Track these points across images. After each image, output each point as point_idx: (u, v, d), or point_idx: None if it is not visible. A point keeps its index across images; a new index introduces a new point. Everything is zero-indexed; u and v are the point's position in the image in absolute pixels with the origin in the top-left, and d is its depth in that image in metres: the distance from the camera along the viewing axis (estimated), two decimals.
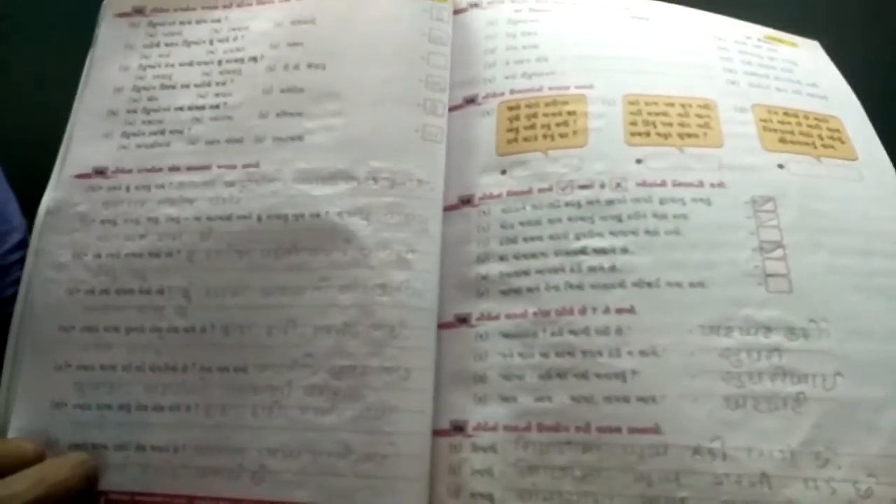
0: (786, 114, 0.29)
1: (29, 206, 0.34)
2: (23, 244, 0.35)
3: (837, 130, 0.29)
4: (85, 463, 0.26)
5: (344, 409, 0.26)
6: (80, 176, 0.31)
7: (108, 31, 0.34)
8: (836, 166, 0.28)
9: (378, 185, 0.29)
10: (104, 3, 0.35)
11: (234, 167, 0.30)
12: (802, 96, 0.30)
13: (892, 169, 0.28)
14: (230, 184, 0.30)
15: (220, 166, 0.30)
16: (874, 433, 0.22)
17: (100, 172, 0.31)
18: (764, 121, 0.29)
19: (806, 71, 0.32)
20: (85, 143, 0.32)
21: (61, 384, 0.28)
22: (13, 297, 0.30)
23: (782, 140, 0.28)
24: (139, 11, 0.34)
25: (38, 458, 0.26)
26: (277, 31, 0.32)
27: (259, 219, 0.29)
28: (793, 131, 0.29)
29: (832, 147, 0.28)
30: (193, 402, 0.27)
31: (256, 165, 0.30)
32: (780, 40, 0.33)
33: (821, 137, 0.29)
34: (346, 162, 0.29)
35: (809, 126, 0.29)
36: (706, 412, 0.23)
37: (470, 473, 0.25)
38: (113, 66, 0.33)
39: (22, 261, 0.32)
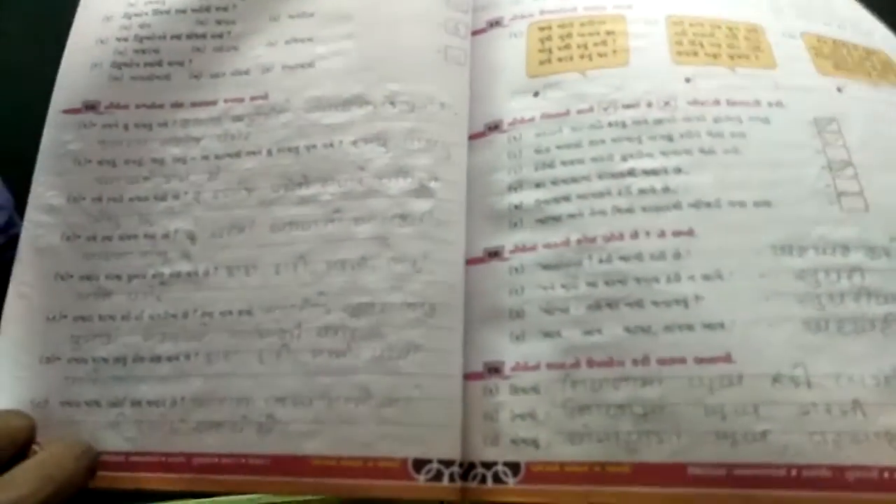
0: (835, 43, 0.27)
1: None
2: (10, 225, 0.31)
3: (887, 62, 0.27)
4: (87, 453, 0.23)
5: (362, 349, 0.23)
6: (69, 111, 0.28)
7: None
8: (893, 94, 0.26)
9: (396, 108, 0.26)
10: None
11: (241, 100, 0.28)
12: (848, 30, 0.29)
13: None
14: (238, 118, 0.27)
15: (226, 100, 0.28)
16: None
17: (91, 107, 0.28)
18: (815, 48, 0.27)
19: (847, 9, 0.30)
20: (72, 75, 0.29)
21: (55, 337, 0.25)
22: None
23: (836, 66, 0.26)
24: None
25: (30, 434, 0.24)
26: None
27: (269, 153, 0.27)
28: (845, 59, 0.27)
29: (886, 76, 0.26)
30: (193, 351, 0.24)
31: (265, 97, 0.28)
32: None
33: (874, 66, 0.27)
34: (360, 86, 0.27)
35: (860, 56, 0.27)
36: (784, 337, 0.21)
37: (510, 418, 0.22)
38: None
39: (10, 243, 0.30)
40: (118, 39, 0.29)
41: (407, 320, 0.23)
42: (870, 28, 0.30)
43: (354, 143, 0.26)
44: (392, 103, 0.26)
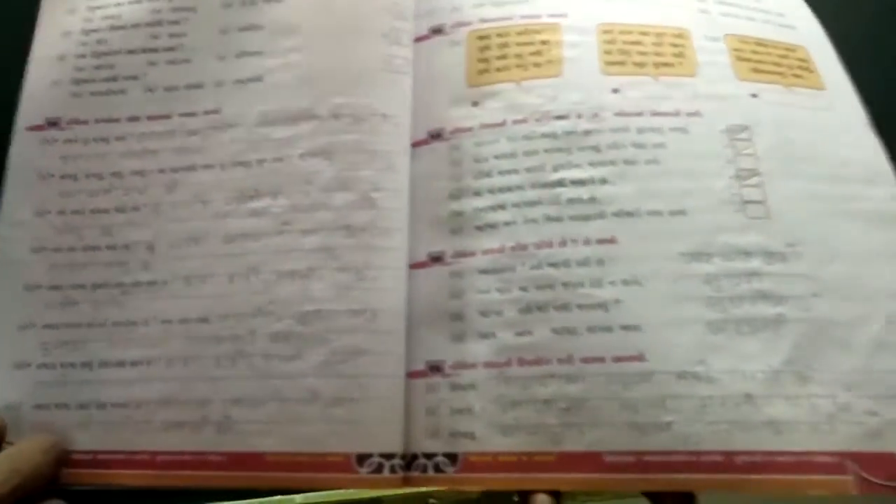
0: (757, 43, 0.29)
1: None
2: None
3: (805, 60, 0.29)
4: (55, 446, 0.25)
5: (310, 354, 0.25)
6: (32, 128, 0.29)
7: None
8: (805, 95, 0.28)
9: (340, 122, 0.28)
10: None
11: (194, 115, 0.29)
12: (771, 26, 0.30)
13: (857, 98, 0.28)
14: (193, 132, 0.29)
15: (181, 114, 0.29)
16: (849, 350, 0.23)
17: (53, 124, 0.29)
18: (736, 50, 0.29)
19: (773, 1, 0.32)
20: (35, 93, 0.30)
21: (25, 344, 0.27)
22: None
23: (755, 70, 0.28)
24: None
25: (2, 433, 0.25)
26: None
27: (223, 167, 0.28)
28: (764, 61, 0.28)
29: (801, 77, 0.28)
30: (155, 356, 0.26)
31: (218, 112, 0.29)
32: None
33: (790, 67, 0.29)
34: (307, 100, 0.28)
35: (779, 56, 0.29)
36: (690, 337, 0.23)
37: (449, 413, 0.24)
38: (60, 9, 0.31)
39: None
40: (77, 56, 0.30)
41: (350, 326, 0.25)
42: (794, 20, 0.31)
43: (301, 156, 0.27)
44: (336, 117, 0.27)
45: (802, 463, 0.21)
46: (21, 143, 0.29)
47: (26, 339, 0.26)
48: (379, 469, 0.24)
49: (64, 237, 0.28)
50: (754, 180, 0.25)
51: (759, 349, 0.23)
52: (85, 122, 0.29)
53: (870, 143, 0.27)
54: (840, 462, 0.21)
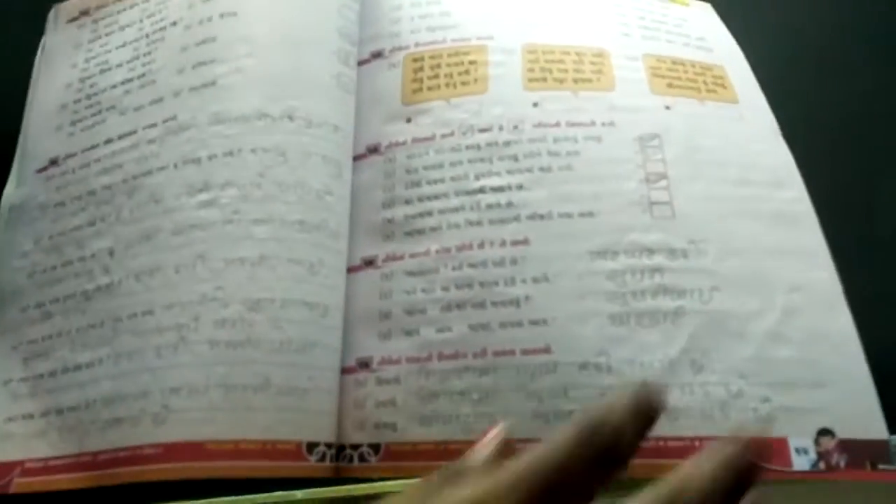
0: (673, 62, 0.31)
1: None
2: None
3: (721, 77, 0.31)
4: None
5: (261, 341, 0.25)
6: (39, 170, 0.32)
7: (57, 37, 0.35)
8: (718, 108, 0.29)
9: (294, 123, 0.29)
10: (52, 13, 0.36)
11: (155, 125, 0.30)
12: (690, 48, 0.32)
13: (770, 111, 0.30)
14: (152, 141, 0.30)
15: (144, 127, 0.30)
16: (744, 340, 0.24)
17: (53, 162, 0.32)
18: (653, 68, 0.30)
19: (695, 27, 0.34)
20: (41, 139, 0.33)
21: (12, 362, 0.28)
22: None
23: (670, 85, 0.30)
24: (85, 13, 0.35)
25: None
26: None
27: (175, 166, 0.29)
28: (680, 77, 0.30)
29: (715, 91, 0.30)
30: (105, 355, 0.26)
31: (174, 118, 0.30)
32: (672, 0, 0.35)
33: (706, 83, 0.30)
34: (259, 100, 0.29)
35: (696, 73, 0.31)
36: (592, 330, 0.24)
37: (374, 406, 0.26)
38: (63, 66, 0.34)
39: None
40: (74, 102, 0.33)
41: (305, 317, 0.26)
42: (714, 44, 0.33)
43: (254, 150, 0.28)
44: (290, 118, 0.29)
45: (691, 448, 0.22)
46: (29, 184, 0.32)
47: (14, 356, 0.28)
48: (324, 458, 0.25)
49: (50, 257, 0.30)
50: (662, 183, 0.27)
51: (659, 340, 0.24)
52: (74, 155, 0.32)
53: (780, 151, 0.28)
54: None
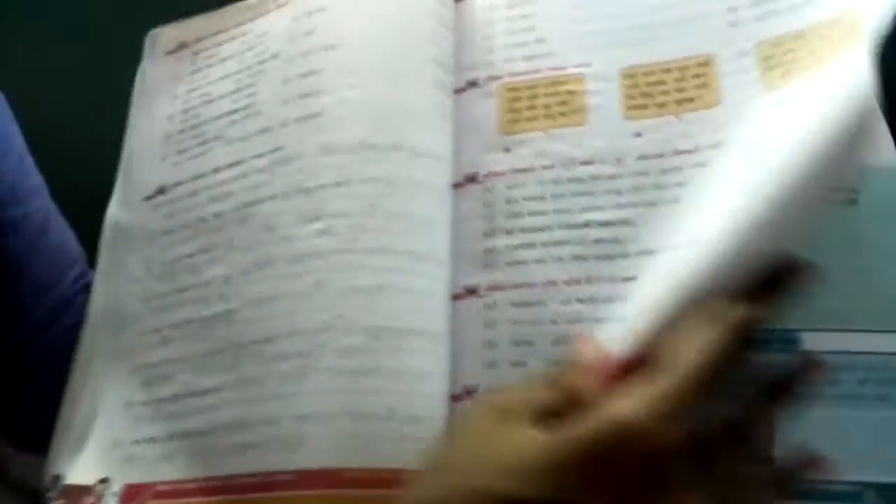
0: (791, 41, 0.27)
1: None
2: (84, 274, 0.37)
3: (848, 31, 0.24)
4: None
5: (383, 370, 0.26)
6: (147, 198, 0.34)
7: (156, 69, 0.37)
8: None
9: (400, 153, 0.29)
10: (148, 43, 0.38)
11: (262, 155, 0.31)
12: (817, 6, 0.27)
13: None
14: (261, 170, 0.31)
15: (251, 157, 0.31)
16: None
17: (160, 191, 0.34)
18: (766, 58, 0.27)
19: None
20: (145, 168, 0.35)
21: (132, 384, 0.30)
22: (76, 324, 0.33)
23: (783, 75, 0.26)
24: (183, 46, 0.37)
25: None
26: (294, 26, 0.33)
27: (286, 195, 0.29)
28: (792, 61, 0.26)
29: (823, 62, 0.24)
30: (230, 381, 0.28)
31: (281, 148, 0.31)
32: None
33: (812, 53, 0.25)
34: (365, 130, 0.29)
35: (808, 48, 0.26)
36: None
37: None
38: (164, 97, 0.36)
39: (84, 289, 0.35)
40: (179, 132, 0.35)
41: (421, 346, 0.27)
42: None
43: (363, 181, 0.28)
44: (396, 149, 0.29)
45: None
46: (137, 212, 0.34)
47: (133, 380, 0.30)
48: None
49: (162, 284, 0.31)
50: None
51: None
52: (182, 183, 0.33)
53: None
54: None
